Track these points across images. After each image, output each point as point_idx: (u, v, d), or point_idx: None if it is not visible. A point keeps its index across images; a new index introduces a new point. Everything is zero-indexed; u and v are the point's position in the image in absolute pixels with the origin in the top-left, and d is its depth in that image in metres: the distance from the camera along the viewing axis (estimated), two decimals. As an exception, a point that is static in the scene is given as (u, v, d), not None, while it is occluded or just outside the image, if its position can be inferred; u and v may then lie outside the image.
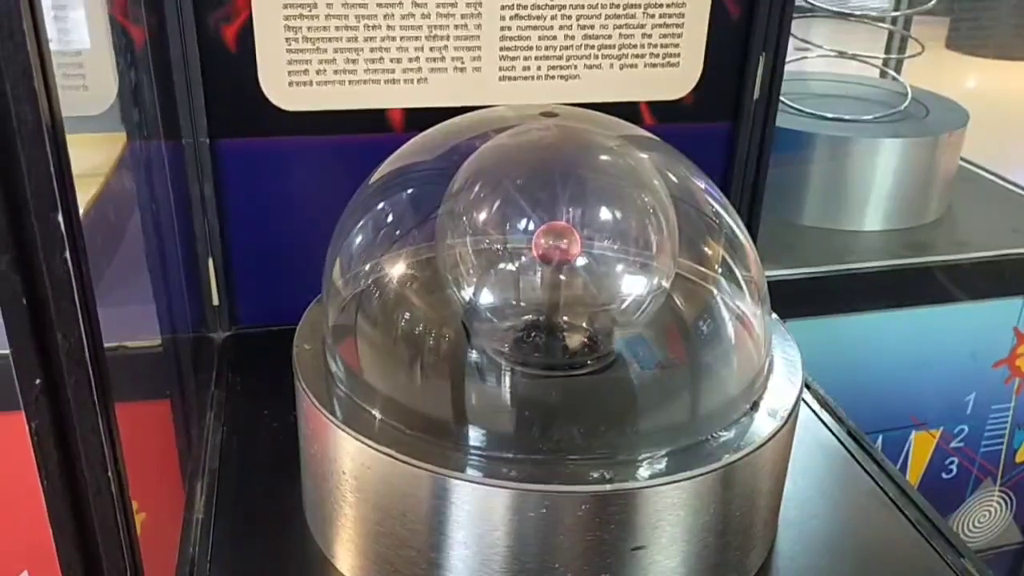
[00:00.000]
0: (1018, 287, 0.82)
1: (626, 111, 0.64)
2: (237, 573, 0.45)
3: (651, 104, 0.64)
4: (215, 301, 0.62)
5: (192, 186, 0.60)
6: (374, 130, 0.60)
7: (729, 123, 0.66)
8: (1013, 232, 0.85)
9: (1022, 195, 0.95)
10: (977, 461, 0.88)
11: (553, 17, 0.60)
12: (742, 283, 0.46)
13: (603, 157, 0.46)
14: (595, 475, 0.38)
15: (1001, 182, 0.97)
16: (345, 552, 0.44)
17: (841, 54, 0.95)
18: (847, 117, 0.89)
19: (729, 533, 0.42)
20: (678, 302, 0.46)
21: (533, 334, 0.45)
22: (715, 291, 0.46)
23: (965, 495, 0.89)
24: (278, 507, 0.48)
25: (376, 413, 0.42)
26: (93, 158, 0.67)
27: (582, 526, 0.38)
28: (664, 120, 0.65)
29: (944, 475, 0.87)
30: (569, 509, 0.38)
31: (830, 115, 0.89)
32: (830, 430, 0.55)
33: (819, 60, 0.99)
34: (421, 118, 0.60)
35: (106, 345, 0.62)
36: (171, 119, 0.57)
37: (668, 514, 0.39)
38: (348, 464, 0.41)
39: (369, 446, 0.40)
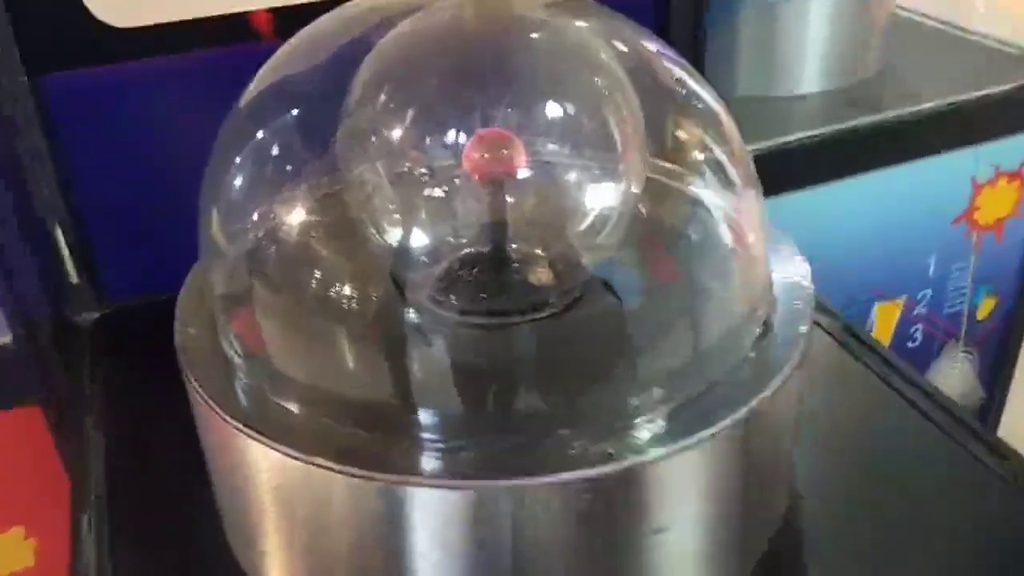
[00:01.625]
0: (970, 136, 0.76)
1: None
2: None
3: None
4: (73, 278, 0.50)
5: (16, 139, 0.47)
6: (236, 40, 0.48)
7: (659, -16, 0.56)
8: (958, 79, 0.78)
9: (963, 39, 0.88)
10: (941, 325, 0.83)
11: None
12: (728, 172, 0.37)
13: (537, 35, 0.36)
14: (593, 451, 0.29)
15: (941, 26, 0.90)
16: (283, 582, 0.35)
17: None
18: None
19: (758, 487, 0.34)
20: (654, 209, 0.37)
21: (479, 275, 0.36)
22: (699, 188, 0.37)
23: (931, 360, 0.85)
24: (190, 531, 0.38)
25: (293, 407, 0.32)
26: None
27: (585, 518, 0.30)
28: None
29: (910, 344, 0.83)
30: (568, 501, 0.29)
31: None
32: (821, 327, 0.48)
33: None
34: (295, 17, 0.48)
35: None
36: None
37: (690, 484, 0.31)
38: (267, 478, 0.32)
39: (292, 456, 0.30)
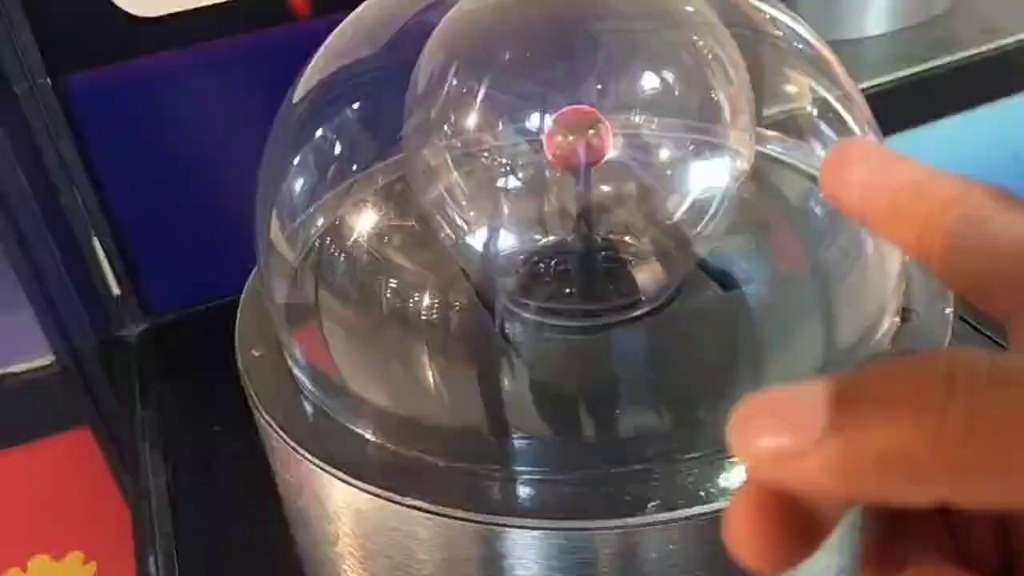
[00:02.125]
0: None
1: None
2: None
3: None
4: (115, 290, 0.47)
5: (44, 146, 0.44)
6: (270, 21, 0.44)
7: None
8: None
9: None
10: None
11: None
12: (847, 122, 0.32)
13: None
14: (713, 480, 0.25)
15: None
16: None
17: None
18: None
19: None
20: (764, 187, 0.33)
21: (566, 271, 0.32)
22: (812, 152, 0.32)
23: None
24: (264, 570, 0.35)
25: (370, 435, 0.28)
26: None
27: (710, 560, 0.26)
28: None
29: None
30: (703, 536, 0.25)
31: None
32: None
33: None
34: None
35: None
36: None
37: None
38: (344, 514, 0.28)
39: (369, 492, 0.27)
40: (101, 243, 0.46)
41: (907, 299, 0.30)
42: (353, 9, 0.41)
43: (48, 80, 0.42)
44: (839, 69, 0.32)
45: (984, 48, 0.68)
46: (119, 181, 0.46)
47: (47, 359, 0.46)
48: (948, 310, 0.30)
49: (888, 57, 0.70)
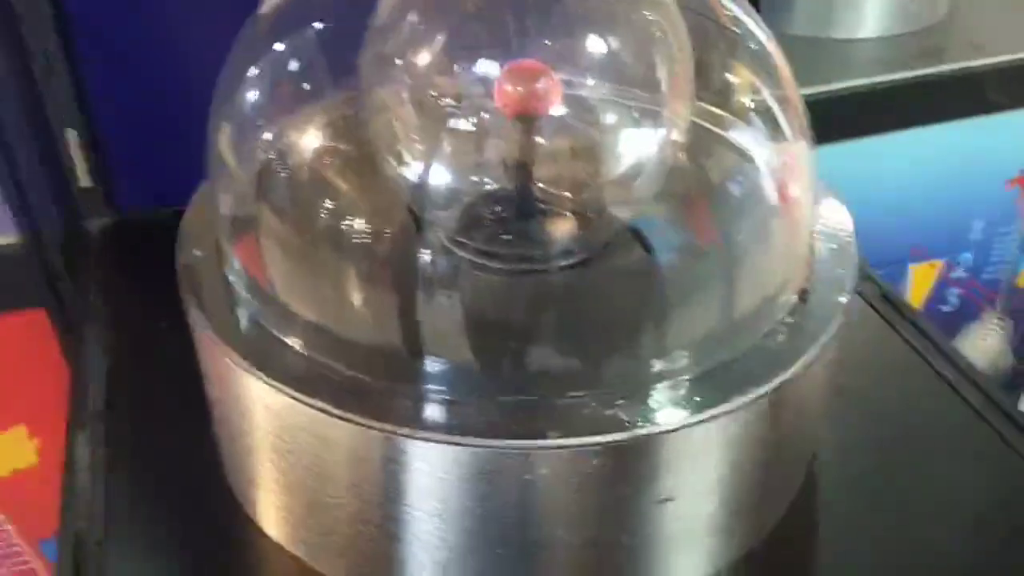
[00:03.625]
0: (1036, 95, 0.72)
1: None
2: (138, 551, 0.35)
3: None
4: (83, 182, 0.49)
5: (29, 37, 0.45)
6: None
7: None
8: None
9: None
10: (978, 290, 0.80)
11: None
12: (780, 123, 0.34)
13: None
14: (606, 416, 0.28)
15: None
16: (280, 522, 0.34)
17: None
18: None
19: (777, 461, 0.32)
20: (696, 158, 0.34)
21: (502, 217, 0.34)
22: (745, 138, 0.34)
23: (963, 325, 0.82)
24: (189, 459, 0.37)
25: (298, 346, 0.30)
26: None
27: (594, 485, 0.28)
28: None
29: (944, 307, 0.80)
30: (576, 467, 0.28)
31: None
32: (859, 293, 0.46)
33: None
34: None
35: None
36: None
37: (705, 455, 0.29)
38: (268, 420, 0.30)
39: (293, 396, 0.29)
40: (77, 137, 0.47)
41: (809, 283, 0.32)
42: None
43: (39, -29, 0.43)
44: (785, 71, 0.33)
45: (969, 64, 0.70)
46: (99, 78, 0.47)
47: (12, 238, 0.48)
48: (843, 298, 0.32)
49: (875, 61, 0.71)
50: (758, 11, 0.58)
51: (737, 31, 0.35)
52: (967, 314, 0.82)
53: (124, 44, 0.46)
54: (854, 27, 0.74)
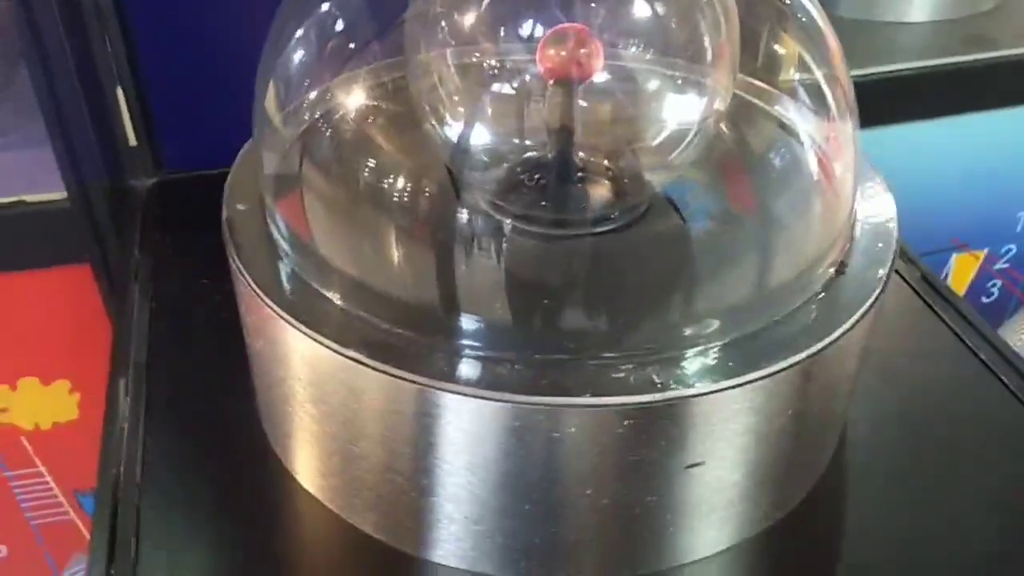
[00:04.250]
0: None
1: None
2: (175, 499, 0.35)
3: None
4: (132, 140, 0.50)
5: (82, -5, 0.46)
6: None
7: None
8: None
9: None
10: (1021, 282, 0.79)
11: None
12: (826, 97, 0.34)
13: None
14: (638, 378, 0.28)
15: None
16: (313, 473, 0.34)
17: None
18: None
19: (806, 432, 0.32)
20: (737, 128, 0.34)
21: (541, 181, 0.34)
22: (789, 110, 0.34)
23: (1003, 318, 0.81)
24: (225, 410, 0.38)
25: (336, 299, 0.31)
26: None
27: (623, 445, 0.28)
28: None
29: (984, 298, 0.79)
30: (606, 426, 0.28)
31: None
32: (898, 273, 0.45)
33: None
34: None
35: (3, 199, 0.50)
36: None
37: (734, 422, 0.29)
38: (304, 370, 0.31)
39: (329, 347, 0.29)
40: (124, 94, 0.48)
41: (847, 257, 0.32)
42: None
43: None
44: (834, 47, 0.33)
45: (1019, 51, 0.68)
46: (150, 38, 0.48)
47: (59, 195, 0.49)
48: (881, 271, 0.32)
49: (923, 46, 0.70)
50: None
51: (788, 2, 0.35)
52: (1008, 305, 0.81)
53: (174, 4, 0.47)
54: (903, 10, 0.73)
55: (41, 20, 0.46)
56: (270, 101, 0.36)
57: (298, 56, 0.35)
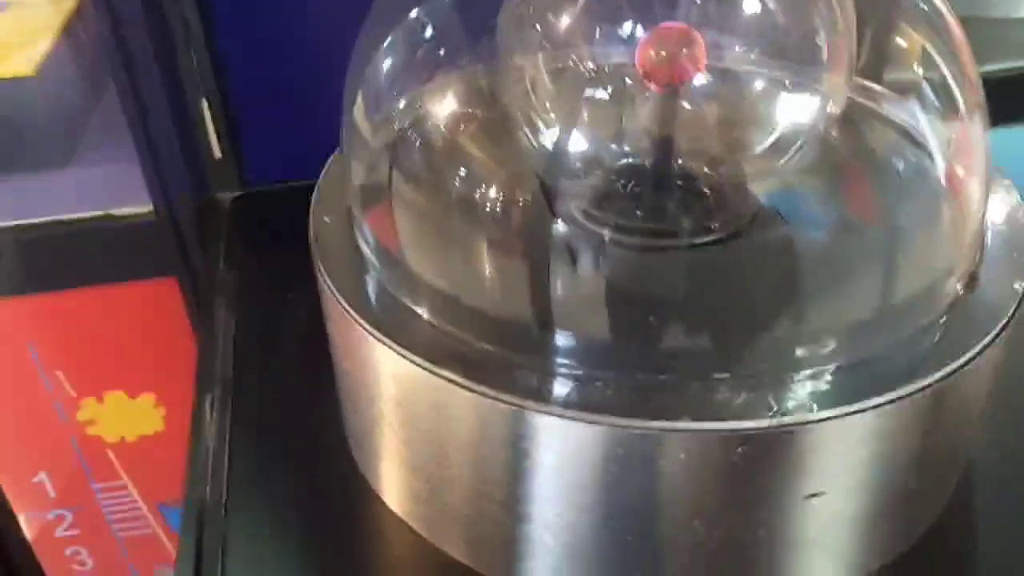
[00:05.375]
0: None
1: None
2: (260, 518, 0.35)
3: None
4: (217, 154, 0.49)
5: (170, 9, 0.46)
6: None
7: None
8: None
9: None
10: None
11: None
12: (952, 95, 0.31)
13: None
14: (752, 401, 0.26)
15: None
16: (402, 497, 0.33)
17: None
18: None
19: (933, 459, 0.30)
20: (853, 132, 0.32)
21: (639, 190, 0.32)
22: (910, 111, 0.32)
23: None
24: (312, 429, 0.37)
25: (426, 315, 0.29)
26: None
27: (735, 474, 0.26)
28: None
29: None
30: (717, 454, 0.26)
31: None
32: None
33: None
34: None
35: (91, 213, 0.50)
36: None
37: (858, 449, 0.27)
38: (393, 389, 0.30)
39: (419, 365, 0.28)
40: (210, 107, 0.48)
41: (978, 267, 0.30)
42: None
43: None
44: (963, 46, 0.31)
45: None
46: (236, 53, 0.48)
47: (146, 208, 0.49)
48: (1018, 286, 0.29)
49: (1032, 43, 0.66)
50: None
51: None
52: None
53: (261, 17, 0.47)
54: (1014, 5, 0.69)
55: (129, 35, 0.46)
56: (358, 111, 0.35)
57: (387, 64, 0.34)
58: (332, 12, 0.47)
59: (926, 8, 0.31)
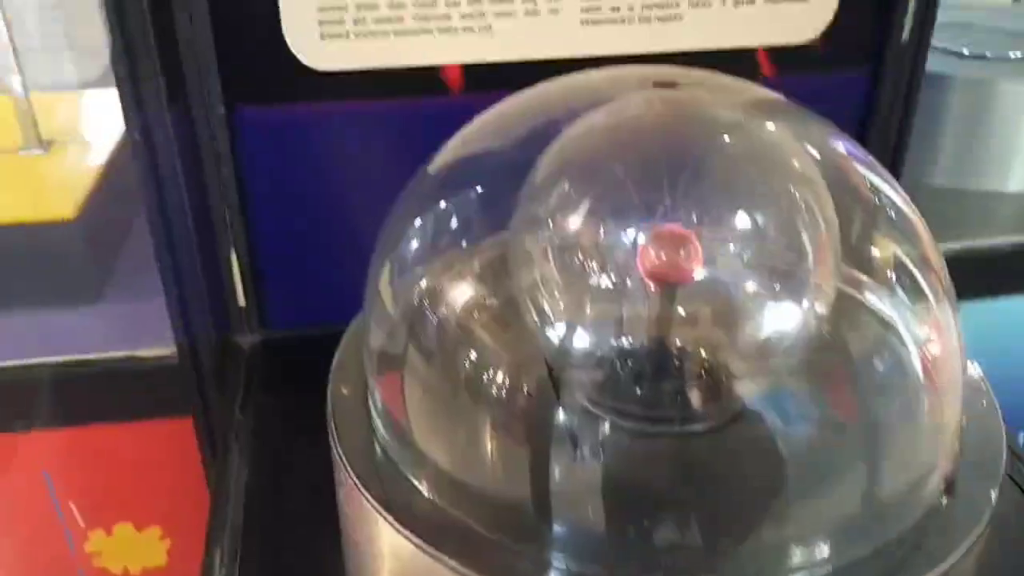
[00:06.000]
0: None
1: (740, 59, 0.51)
2: None
3: (771, 50, 0.51)
4: (241, 301, 0.52)
5: (207, 164, 0.49)
6: (425, 91, 0.49)
7: (867, 71, 0.53)
8: None
9: None
10: None
11: (650, -57, 0.47)
12: (926, 295, 0.33)
13: (727, 136, 0.34)
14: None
15: None
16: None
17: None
18: (988, 54, 0.74)
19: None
20: (838, 327, 0.34)
21: (638, 379, 0.34)
22: (888, 310, 0.34)
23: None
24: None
25: (428, 492, 0.31)
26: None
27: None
28: (787, 69, 0.52)
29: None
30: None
31: (967, 52, 0.75)
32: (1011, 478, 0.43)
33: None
34: (483, 75, 0.48)
35: (117, 354, 0.53)
36: (177, 84, 0.46)
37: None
38: (391, 562, 0.31)
39: (416, 545, 0.29)
40: (238, 259, 0.51)
41: (955, 466, 0.31)
42: (499, 89, 0.46)
43: (223, 109, 0.47)
44: (925, 235, 0.33)
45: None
46: (264, 207, 0.51)
47: (169, 350, 0.51)
48: (993, 492, 0.30)
49: (1022, 217, 0.69)
50: (900, 163, 0.58)
51: (876, 200, 0.35)
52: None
53: (291, 173, 0.50)
54: (1001, 179, 0.73)
55: (167, 184, 0.49)
56: (383, 282, 0.37)
57: (412, 245, 0.37)
58: (356, 182, 0.51)
59: (894, 215, 0.34)
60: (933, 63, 0.68)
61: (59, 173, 0.58)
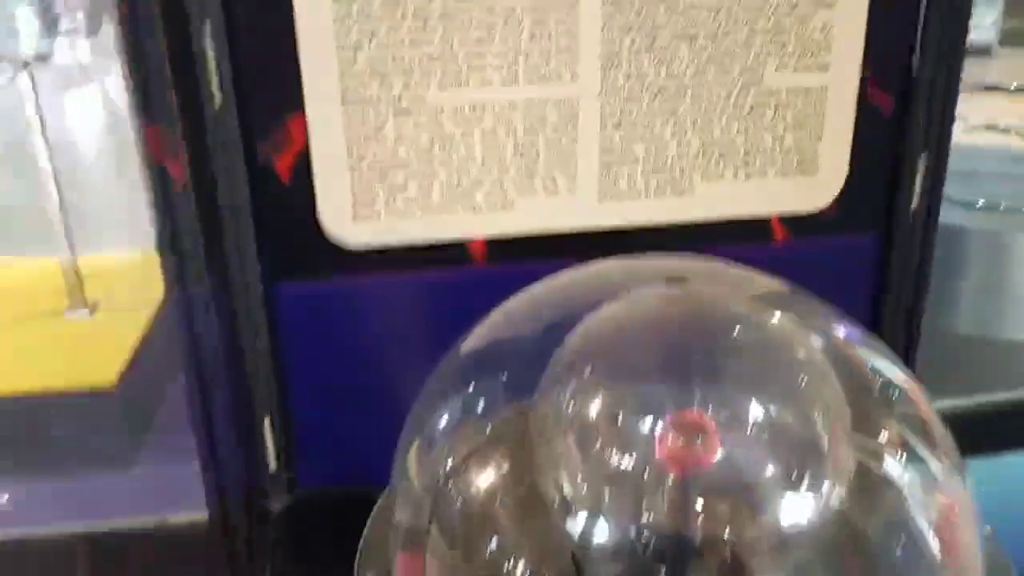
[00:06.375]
0: None
1: (753, 227, 0.53)
2: None
3: (784, 219, 0.53)
4: (272, 467, 0.53)
5: (245, 337, 0.51)
6: (451, 264, 0.51)
7: (879, 236, 0.55)
8: None
9: None
10: None
11: (663, 123, 0.50)
12: (936, 479, 0.34)
13: (739, 329, 0.36)
14: None
15: None
16: None
17: (992, 127, 0.82)
18: (1002, 206, 0.76)
19: None
20: (855, 511, 0.35)
21: (660, 559, 0.35)
22: (898, 489, 0.34)
23: None
24: None
25: None
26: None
27: None
28: (800, 235, 0.54)
29: None
30: None
31: (980, 202, 0.77)
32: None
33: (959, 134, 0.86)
34: (506, 247, 0.51)
35: (147, 520, 0.54)
36: (218, 263, 0.49)
37: None
38: None
39: None
40: (271, 426, 0.52)
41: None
42: (521, 258, 0.48)
43: (261, 285, 0.49)
44: (936, 425, 0.34)
45: None
46: (299, 375, 0.52)
47: (201, 515, 0.52)
48: None
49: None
50: (917, 321, 0.59)
51: (883, 390, 0.36)
52: None
53: (325, 345, 0.52)
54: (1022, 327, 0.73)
55: (206, 353, 0.51)
56: (411, 460, 0.38)
57: (440, 424, 0.38)
58: (391, 345, 0.53)
59: (907, 413, 0.35)
60: (947, 215, 0.70)
61: (102, 338, 0.60)
